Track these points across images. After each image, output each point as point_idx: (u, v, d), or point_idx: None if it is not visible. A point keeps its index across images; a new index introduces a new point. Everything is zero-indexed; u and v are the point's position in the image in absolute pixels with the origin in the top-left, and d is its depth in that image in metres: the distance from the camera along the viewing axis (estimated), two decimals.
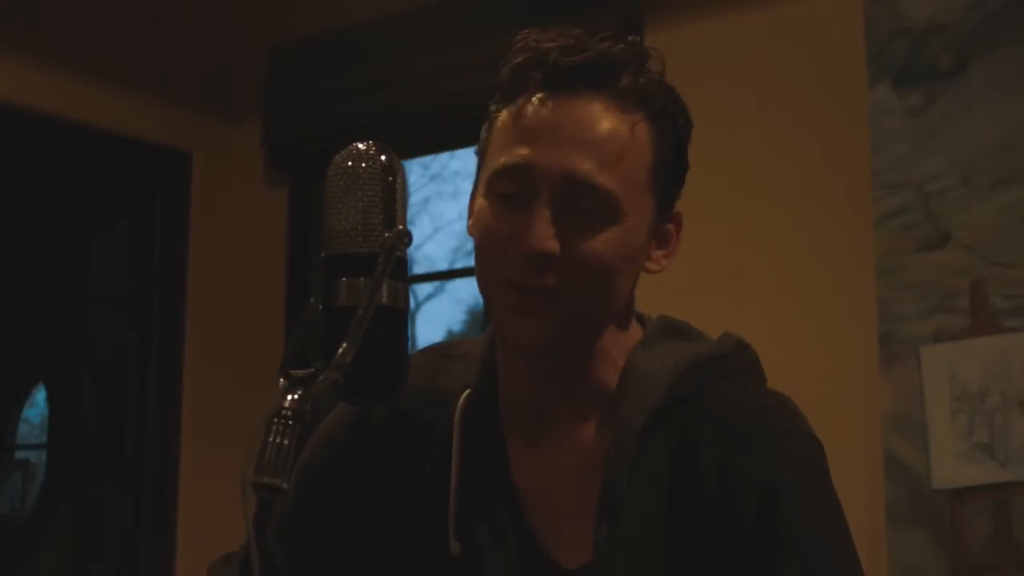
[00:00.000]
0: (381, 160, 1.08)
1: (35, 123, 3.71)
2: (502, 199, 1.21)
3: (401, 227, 1.06)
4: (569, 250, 1.18)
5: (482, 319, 3.80)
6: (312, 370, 1.02)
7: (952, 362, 2.67)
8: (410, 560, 1.30)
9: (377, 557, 1.33)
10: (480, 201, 1.24)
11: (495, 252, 1.21)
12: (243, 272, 3.94)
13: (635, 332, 1.31)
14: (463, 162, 4.32)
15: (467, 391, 1.30)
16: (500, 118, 1.24)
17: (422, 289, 6.36)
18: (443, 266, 6.91)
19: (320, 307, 1.06)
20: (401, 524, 1.31)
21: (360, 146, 1.09)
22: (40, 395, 5.54)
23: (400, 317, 1.06)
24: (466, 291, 4.58)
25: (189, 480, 3.81)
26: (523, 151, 1.19)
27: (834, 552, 1.19)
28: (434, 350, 1.39)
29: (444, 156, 4.10)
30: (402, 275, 1.07)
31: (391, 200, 1.07)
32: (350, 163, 1.08)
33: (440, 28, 3.55)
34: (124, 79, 3.77)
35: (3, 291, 5.25)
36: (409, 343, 1.09)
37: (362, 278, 1.04)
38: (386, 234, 1.05)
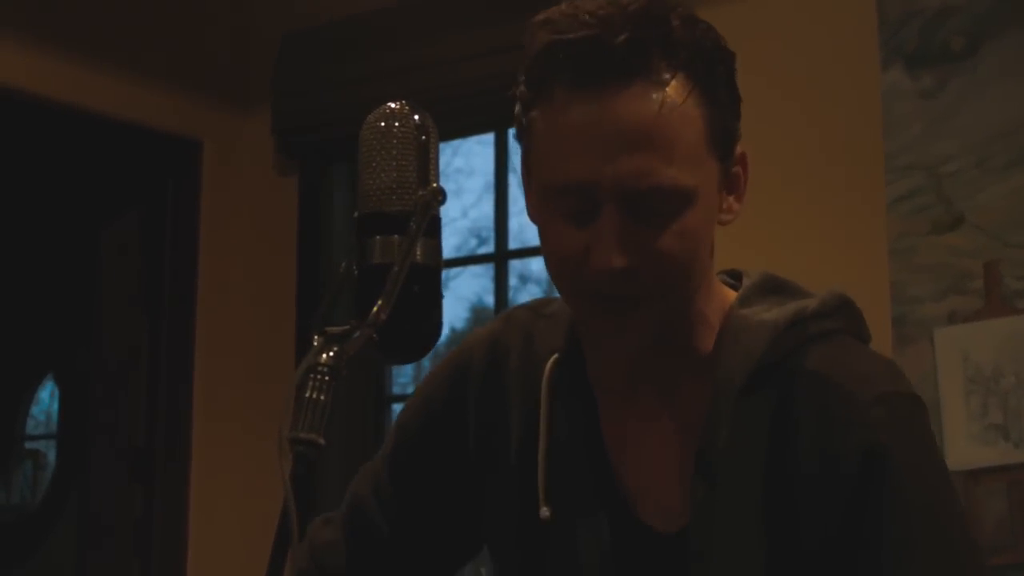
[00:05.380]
0: (414, 119, 1.09)
1: (45, 111, 3.70)
2: (565, 216, 1.13)
3: (435, 185, 1.07)
4: (647, 254, 1.12)
5: (484, 317, 3.80)
6: (347, 327, 1.03)
7: (966, 344, 2.67)
8: (502, 523, 1.30)
9: (469, 518, 1.33)
10: (543, 216, 1.17)
11: (571, 271, 1.15)
12: (254, 260, 3.94)
13: (720, 288, 1.26)
14: (466, 159, 4.30)
15: (554, 356, 1.27)
16: (536, 119, 1.15)
17: None
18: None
19: (354, 266, 1.07)
20: (493, 486, 1.30)
21: (393, 105, 1.10)
22: (44, 392, 5.53)
23: (434, 275, 1.07)
24: (468, 288, 4.56)
25: (201, 466, 3.82)
26: (574, 166, 1.11)
27: (940, 512, 1.16)
28: (530, 307, 1.36)
29: (447, 154, 4.09)
30: (436, 233, 1.07)
31: (424, 158, 1.08)
32: (383, 123, 1.09)
33: (452, 15, 3.55)
34: (134, 67, 3.77)
35: (13, 281, 5.24)
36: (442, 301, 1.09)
37: (396, 236, 1.05)
38: (420, 192, 1.06)
